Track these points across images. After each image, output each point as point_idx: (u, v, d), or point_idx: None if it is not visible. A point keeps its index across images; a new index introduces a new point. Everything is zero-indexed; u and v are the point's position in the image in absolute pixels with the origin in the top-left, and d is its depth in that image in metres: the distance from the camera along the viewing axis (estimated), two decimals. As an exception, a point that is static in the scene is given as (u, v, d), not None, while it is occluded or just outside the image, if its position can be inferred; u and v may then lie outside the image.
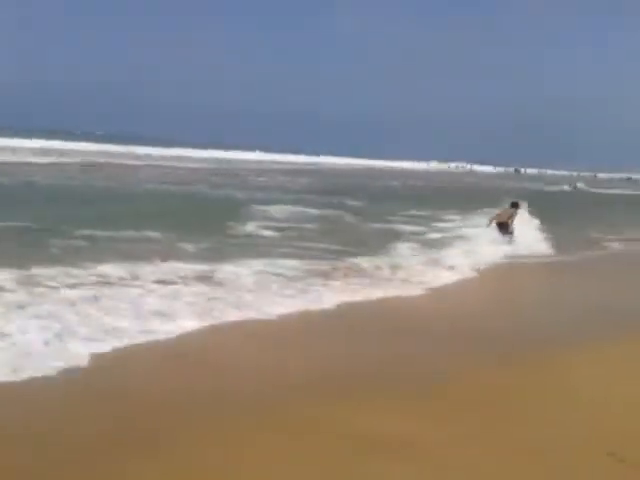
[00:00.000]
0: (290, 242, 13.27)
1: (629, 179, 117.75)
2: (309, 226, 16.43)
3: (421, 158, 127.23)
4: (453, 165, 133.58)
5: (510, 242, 15.77)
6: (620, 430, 4.85)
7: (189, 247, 11.48)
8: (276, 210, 18.77)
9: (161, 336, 6.46)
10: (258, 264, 10.22)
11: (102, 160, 44.54)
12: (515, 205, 16.91)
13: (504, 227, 16.54)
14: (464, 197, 34.53)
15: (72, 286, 7.95)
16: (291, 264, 10.54)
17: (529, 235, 15.78)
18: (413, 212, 21.26)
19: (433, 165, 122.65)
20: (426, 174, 76.34)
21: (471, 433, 4.73)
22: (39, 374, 5.23)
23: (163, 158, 57.71)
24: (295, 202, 21.82)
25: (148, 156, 59.09)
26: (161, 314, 7.10)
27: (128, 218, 14.26)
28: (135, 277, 8.73)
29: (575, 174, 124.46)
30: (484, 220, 16.98)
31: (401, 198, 30.31)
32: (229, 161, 65.57)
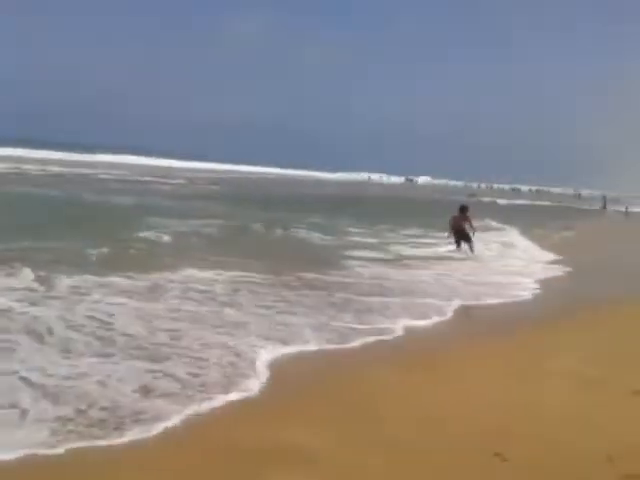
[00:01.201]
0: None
1: (515, 190, 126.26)
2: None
3: (324, 168, 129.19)
4: (356, 175, 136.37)
5: (471, 253, 16.01)
6: (505, 431, 5.03)
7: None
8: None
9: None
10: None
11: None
12: (464, 209, 16.96)
13: (464, 235, 16.50)
14: (395, 209, 34.94)
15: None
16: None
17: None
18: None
19: (339, 175, 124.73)
20: (338, 185, 77.40)
21: (366, 438, 4.78)
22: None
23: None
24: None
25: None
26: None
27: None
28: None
29: (469, 184, 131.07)
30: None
31: (319, 205, 30.51)
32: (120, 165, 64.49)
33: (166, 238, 14.95)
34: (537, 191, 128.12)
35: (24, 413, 4.78)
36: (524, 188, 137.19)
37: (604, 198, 64.16)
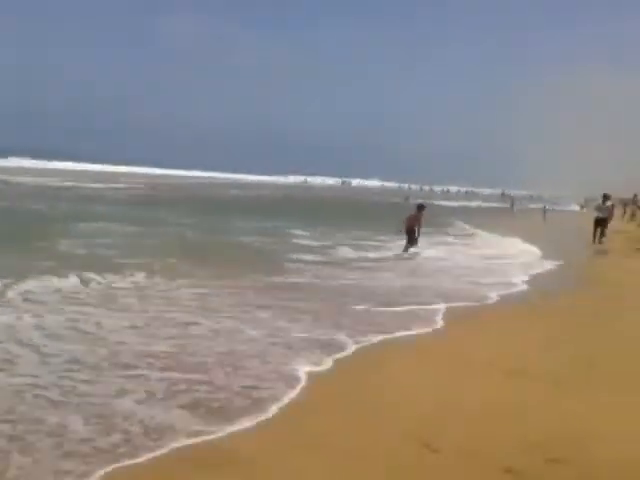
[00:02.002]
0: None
1: (446, 191, 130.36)
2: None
3: (260, 172, 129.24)
4: (292, 178, 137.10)
5: (411, 254, 16.18)
6: (434, 422, 5.10)
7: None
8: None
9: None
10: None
11: None
12: (421, 207, 17.19)
13: (412, 234, 16.69)
14: (350, 214, 34.90)
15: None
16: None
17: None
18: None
19: (276, 178, 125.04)
20: (276, 188, 77.38)
21: (299, 442, 4.73)
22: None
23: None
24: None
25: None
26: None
27: None
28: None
29: (406, 186, 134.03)
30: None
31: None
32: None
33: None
34: (466, 192, 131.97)
35: None
36: (453, 189, 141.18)
37: (512, 198, 68.59)
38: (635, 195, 28.51)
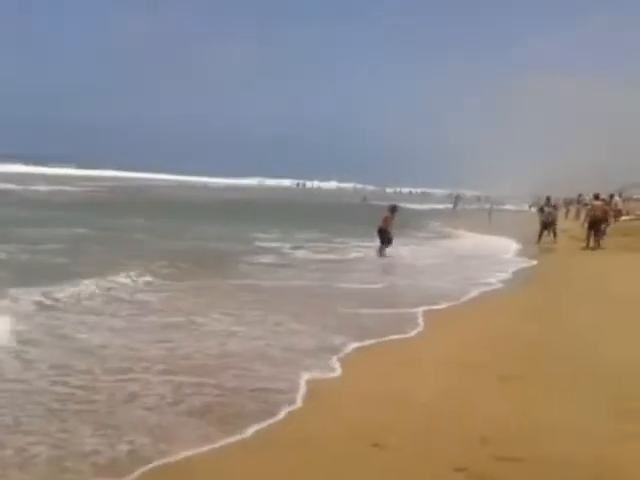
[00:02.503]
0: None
1: (397, 192, 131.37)
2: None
3: (215, 174, 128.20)
4: (250, 180, 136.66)
5: (384, 254, 16.42)
6: (384, 421, 5.15)
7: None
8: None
9: None
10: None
11: None
12: (394, 209, 17.42)
13: (385, 234, 16.90)
14: (296, 214, 34.67)
15: None
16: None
17: None
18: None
19: (232, 181, 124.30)
20: (231, 190, 76.61)
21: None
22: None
23: None
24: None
25: None
26: None
27: None
28: None
29: (360, 186, 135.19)
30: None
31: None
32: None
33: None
34: (422, 193, 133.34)
35: None
36: (405, 190, 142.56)
37: (456, 198, 70.51)
38: (580, 194, 29.26)
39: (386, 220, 17.21)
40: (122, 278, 10.89)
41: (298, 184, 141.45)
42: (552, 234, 22.96)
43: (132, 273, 11.29)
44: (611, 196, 28.58)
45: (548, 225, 23.09)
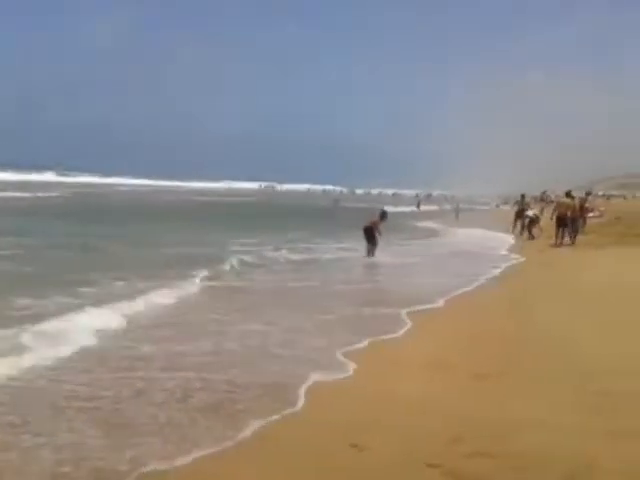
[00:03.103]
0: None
1: (366, 193, 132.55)
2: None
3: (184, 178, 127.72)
4: (217, 184, 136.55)
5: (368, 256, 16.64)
6: (361, 422, 5.16)
7: None
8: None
9: None
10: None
11: None
12: (384, 215, 17.62)
13: (371, 233, 17.08)
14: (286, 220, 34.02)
15: None
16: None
17: None
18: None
19: (202, 184, 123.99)
20: (202, 193, 75.98)
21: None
22: None
23: None
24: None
25: None
26: None
27: None
28: None
29: (330, 188, 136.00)
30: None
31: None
32: None
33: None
34: (393, 194, 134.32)
35: None
36: (374, 192, 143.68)
37: (419, 199, 74.58)
38: (544, 192, 29.74)
39: (374, 223, 17.42)
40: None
41: (266, 186, 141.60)
42: (527, 231, 24.72)
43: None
44: (587, 194, 29.40)
45: (533, 221, 25.06)
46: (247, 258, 15.44)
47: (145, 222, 26.32)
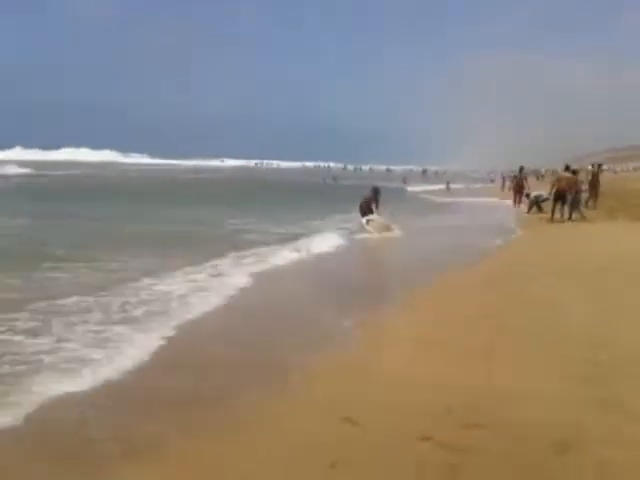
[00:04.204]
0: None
1: (356, 169, 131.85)
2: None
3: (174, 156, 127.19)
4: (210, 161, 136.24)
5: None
6: (353, 397, 5.20)
7: None
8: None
9: None
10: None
11: None
12: (376, 191, 17.64)
13: (367, 208, 17.28)
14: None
15: None
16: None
17: None
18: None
19: (196, 162, 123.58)
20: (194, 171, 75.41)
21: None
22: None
23: None
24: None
25: None
26: None
27: None
28: None
29: (324, 164, 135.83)
30: None
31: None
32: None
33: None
34: (387, 170, 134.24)
35: None
36: (365, 167, 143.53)
37: (404, 177, 72.95)
38: (522, 167, 28.75)
39: (368, 199, 17.56)
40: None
41: (257, 164, 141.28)
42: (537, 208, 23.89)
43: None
44: (599, 166, 28.05)
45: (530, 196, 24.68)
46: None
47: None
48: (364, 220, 17.05)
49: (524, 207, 24.70)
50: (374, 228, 16.65)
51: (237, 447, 4.32)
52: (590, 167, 29.23)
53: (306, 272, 11.48)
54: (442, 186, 50.10)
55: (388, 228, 16.65)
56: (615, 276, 10.43)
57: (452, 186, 49.81)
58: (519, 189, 27.32)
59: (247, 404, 5.04)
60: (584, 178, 24.21)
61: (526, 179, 28.41)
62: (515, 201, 27.25)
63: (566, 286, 9.77)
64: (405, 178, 69.98)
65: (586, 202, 23.22)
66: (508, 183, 38.73)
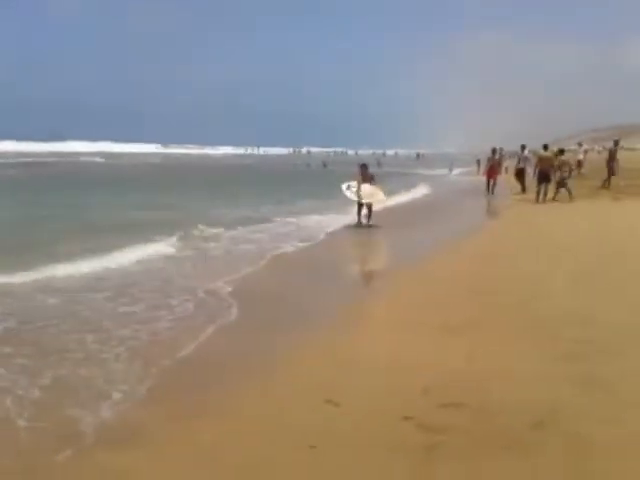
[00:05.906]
0: None
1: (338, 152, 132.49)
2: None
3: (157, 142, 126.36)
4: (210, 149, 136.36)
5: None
6: (334, 380, 5.23)
7: None
8: None
9: None
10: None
11: None
12: (364, 167, 17.48)
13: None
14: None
15: None
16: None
17: None
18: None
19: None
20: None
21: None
22: None
23: None
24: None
25: None
26: None
27: None
28: None
29: (305, 150, 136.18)
30: None
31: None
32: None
33: None
34: (383, 154, 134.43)
35: None
36: (361, 152, 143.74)
37: (377, 159, 70.63)
38: (494, 149, 25.67)
39: (364, 177, 17.19)
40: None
41: (246, 149, 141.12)
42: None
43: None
44: (615, 143, 25.92)
45: (519, 172, 23.71)
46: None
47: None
48: (344, 186, 16.99)
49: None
50: (359, 195, 16.50)
51: (218, 430, 4.35)
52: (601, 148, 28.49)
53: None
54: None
55: (375, 195, 16.55)
56: (600, 257, 10.54)
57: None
58: (492, 173, 23.86)
59: (229, 387, 5.08)
60: (570, 158, 23.85)
61: (500, 162, 25.52)
62: (488, 187, 23.67)
63: (552, 265, 9.85)
64: (379, 160, 67.67)
65: (604, 182, 22.72)
66: (482, 167, 31.37)
